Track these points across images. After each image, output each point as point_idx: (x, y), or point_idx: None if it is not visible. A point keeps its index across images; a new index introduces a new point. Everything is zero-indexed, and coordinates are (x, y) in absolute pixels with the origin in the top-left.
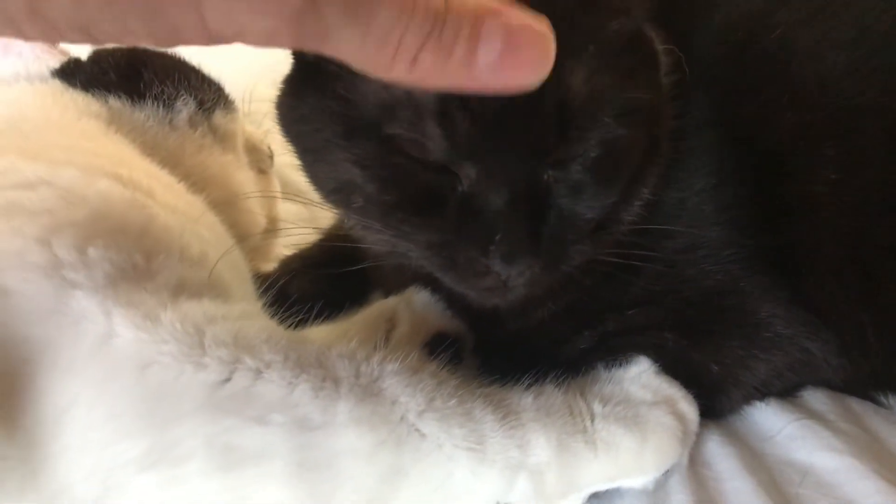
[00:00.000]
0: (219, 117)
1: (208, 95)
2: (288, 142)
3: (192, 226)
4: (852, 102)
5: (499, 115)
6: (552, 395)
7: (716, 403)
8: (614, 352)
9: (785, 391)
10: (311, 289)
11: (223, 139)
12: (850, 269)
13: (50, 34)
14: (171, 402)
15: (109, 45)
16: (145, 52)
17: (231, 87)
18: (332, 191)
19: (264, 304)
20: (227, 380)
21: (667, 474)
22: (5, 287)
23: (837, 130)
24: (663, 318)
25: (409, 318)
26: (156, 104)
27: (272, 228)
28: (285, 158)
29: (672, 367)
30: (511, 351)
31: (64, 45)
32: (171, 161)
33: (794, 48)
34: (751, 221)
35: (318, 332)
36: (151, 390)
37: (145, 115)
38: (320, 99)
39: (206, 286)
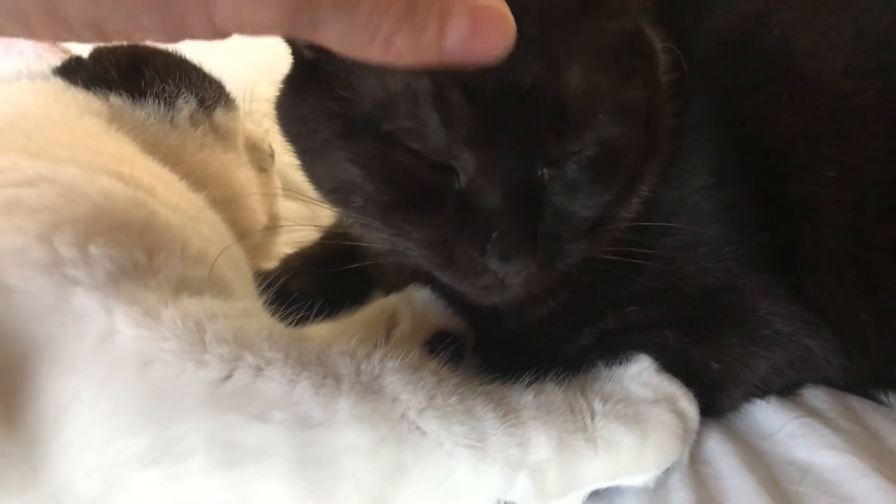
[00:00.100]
0: (220, 115)
1: (209, 94)
2: (287, 141)
3: (193, 224)
4: (851, 101)
5: (496, 109)
6: (553, 392)
7: (716, 401)
8: (614, 350)
9: (785, 389)
10: (312, 287)
11: (224, 137)
12: (850, 267)
13: (61, 32)
14: (173, 399)
15: (111, 43)
16: (146, 50)
17: (232, 85)
18: (332, 190)
19: (265, 302)
20: (228, 377)
21: (667, 472)
22: (6, 284)
23: (836, 129)
24: (663, 316)
25: (410, 316)
26: (157, 102)
27: (273, 227)
28: (286, 157)
29: (672, 364)
30: (511, 349)
31: (65, 44)
32: (172, 159)
33: (794, 47)
34: (750, 220)
35: (319, 330)
36: (153, 387)
37: (146, 113)
38: (319, 99)
39: (207, 284)
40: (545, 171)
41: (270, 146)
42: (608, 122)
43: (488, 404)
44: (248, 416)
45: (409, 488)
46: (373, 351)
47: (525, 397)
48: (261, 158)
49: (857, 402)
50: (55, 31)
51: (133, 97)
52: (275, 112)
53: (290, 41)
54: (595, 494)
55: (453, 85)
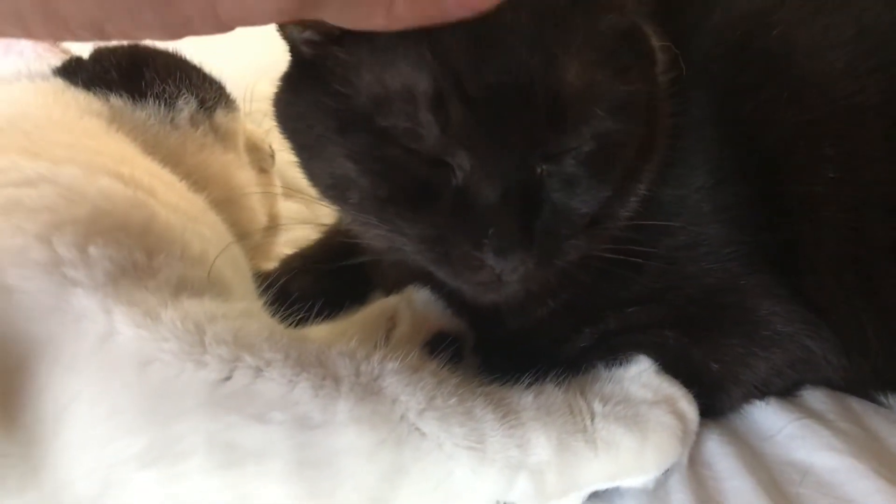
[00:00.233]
0: (220, 116)
1: (210, 94)
2: (285, 138)
3: (193, 224)
4: (851, 101)
5: (492, 106)
6: (552, 393)
7: (716, 402)
8: (614, 350)
9: (785, 390)
10: (312, 287)
11: (224, 138)
12: (850, 268)
13: (59, 32)
14: (172, 399)
15: (111, 44)
16: (147, 50)
17: (232, 85)
18: (329, 186)
19: (265, 303)
20: (228, 378)
21: (667, 473)
22: (6, 284)
23: (837, 129)
24: (663, 316)
25: (410, 316)
26: (157, 103)
27: (273, 227)
28: (286, 156)
29: (672, 365)
30: (511, 350)
31: (65, 44)
32: (172, 160)
33: (794, 47)
34: (750, 220)
35: (319, 331)
36: (152, 388)
37: (147, 113)
38: (316, 95)
39: (207, 284)
40: (544, 167)
41: (271, 147)
42: (606, 118)
43: (488, 405)
44: (248, 416)
45: (408, 489)
46: (372, 352)
47: (525, 398)
48: (261, 159)
49: (857, 404)
50: (52, 31)
51: (133, 98)
52: (273, 109)
53: (289, 38)
54: (595, 496)
55: (451, 86)
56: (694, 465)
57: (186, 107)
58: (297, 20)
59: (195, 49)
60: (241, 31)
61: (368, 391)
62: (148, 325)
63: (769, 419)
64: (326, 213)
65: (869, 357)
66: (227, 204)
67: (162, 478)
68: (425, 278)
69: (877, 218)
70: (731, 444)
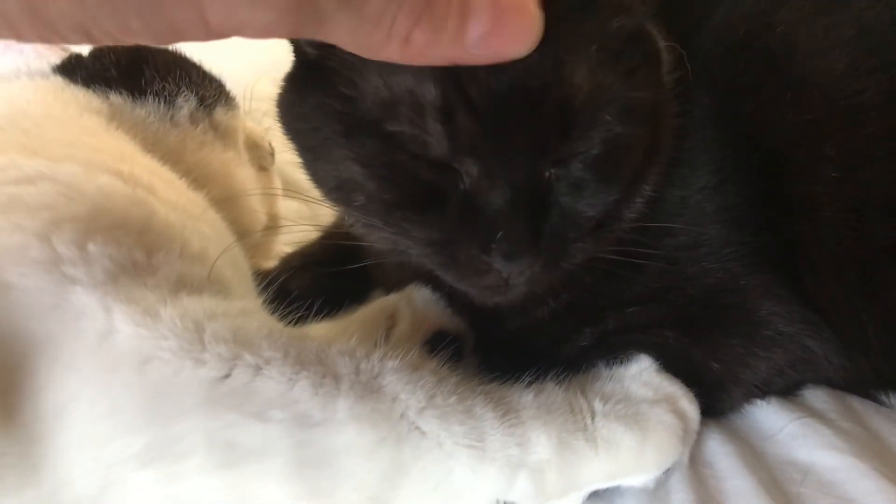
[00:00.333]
0: (220, 114)
1: (209, 92)
2: (289, 139)
3: (192, 222)
4: (853, 101)
5: (500, 113)
6: (553, 392)
7: (716, 402)
8: (615, 350)
9: (786, 389)
10: (312, 286)
11: (224, 136)
12: (851, 268)
13: (48, 35)
14: (172, 397)
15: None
16: (146, 48)
17: (232, 83)
18: (333, 189)
19: (265, 301)
20: (227, 376)
21: (667, 473)
22: (5, 282)
23: (838, 129)
24: (664, 316)
25: (410, 315)
26: (157, 101)
27: (273, 226)
28: (286, 156)
29: (673, 365)
30: (511, 348)
31: None
32: (172, 158)
33: (796, 46)
34: (752, 220)
35: (319, 329)
36: (151, 386)
37: (146, 111)
38: (321, 97)
39: (206, 283)
40: (552, 171)
41: (270, 145)
42: (614, 122)
43: (488, 404)
44: (247, 415)
45: (408, 488)
46: (372, 350)
47: (525, 397)
48: (261, 157)
49: (858, 403)
50: (40, 33)
51: (133, 95)
52: (276, 110)
53: (293, 40)
54: (595, 495)
55: (457, 95)
56: (695, 464)
57: (186, 104)
58: None
59: (195, 47)
60: None
61: (368, 389)
62: (147, 323)
63: (770, 418)
64: (326, 213)
65: (870, 356)
66: (226, 202)
67: (161, 477)
68: (426, 277)
69: (877, 218)
70: (732, 443)
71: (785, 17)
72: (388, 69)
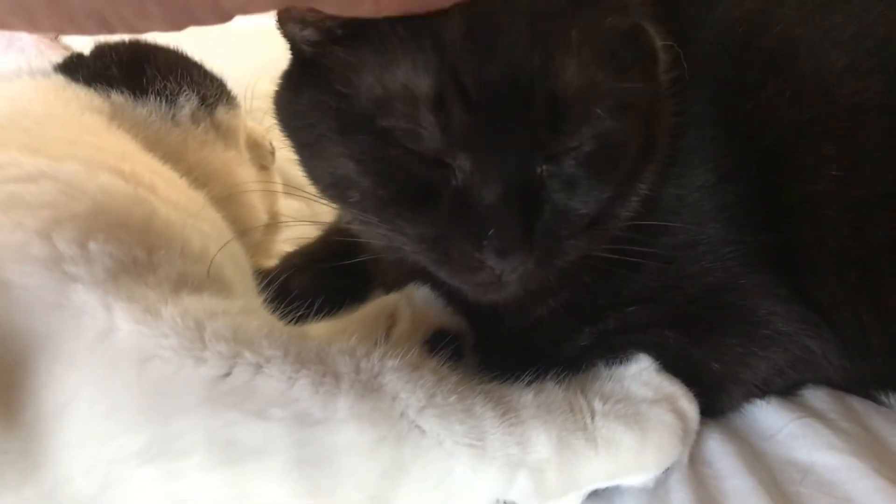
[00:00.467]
0: (221, 113)
1: (211, 91)
2: (285, 136)
3: (193, 221)
4: (853, 100)
5: (492, 104)
6: (553, 392)
7: (716, 401)
8: (615, 349)
9: (786, 389)
10: (312, 285)
11: (225, 135)
12: (851, 267)
13: (64, 24)
14: (172, 396)
15: (113, 40)
16: (148, 47)
17: (233, 83)
18: (329, 185)
19: (265, 300)
20: (227, 374)
21: (667, 472)
22: (6, 280)
23: (838, 128)
24: (663, 316)
25: (410, 314)
26: (158, 99)
27: (273, 224)
28: (286, 154)
29: (672, 364)
30: (511, 348)
31: (66, 41)
32: (173, 156)
33: (795, 46)
34: (751, 219)
35: (319, 328)
36: (152, 384)
37: (148, 110)
38: (316, 94)
39: (207, 281)
40: (544, 167)
41: (271, 144)
42: (606, 118)
43: (488, 403)
44: (247, 413)
45: (408, 487)
46: (372, 349)
47: (525, 396)
48: (262, 156)
49: (857, 403)
50: (58, 22)
51: (134, 94)
52: (273, 107)
53: (289, 37)
54: (594, 494)
55: (451, 87)
56: (694, 463)
57: (187, 104)
58: (298, 18)
59: (196, 46)
60: (242, 29)
61: (368, 388)
62: (148, 321)
63: (770, 418)
64: (326, 211)
65: (870, 357)
66: (227, 201)
67: (161, 475)
68: (425, 276)
69: (878, 217)
70: (732, 442)
71: (785, 15)
72: (383, 65)
